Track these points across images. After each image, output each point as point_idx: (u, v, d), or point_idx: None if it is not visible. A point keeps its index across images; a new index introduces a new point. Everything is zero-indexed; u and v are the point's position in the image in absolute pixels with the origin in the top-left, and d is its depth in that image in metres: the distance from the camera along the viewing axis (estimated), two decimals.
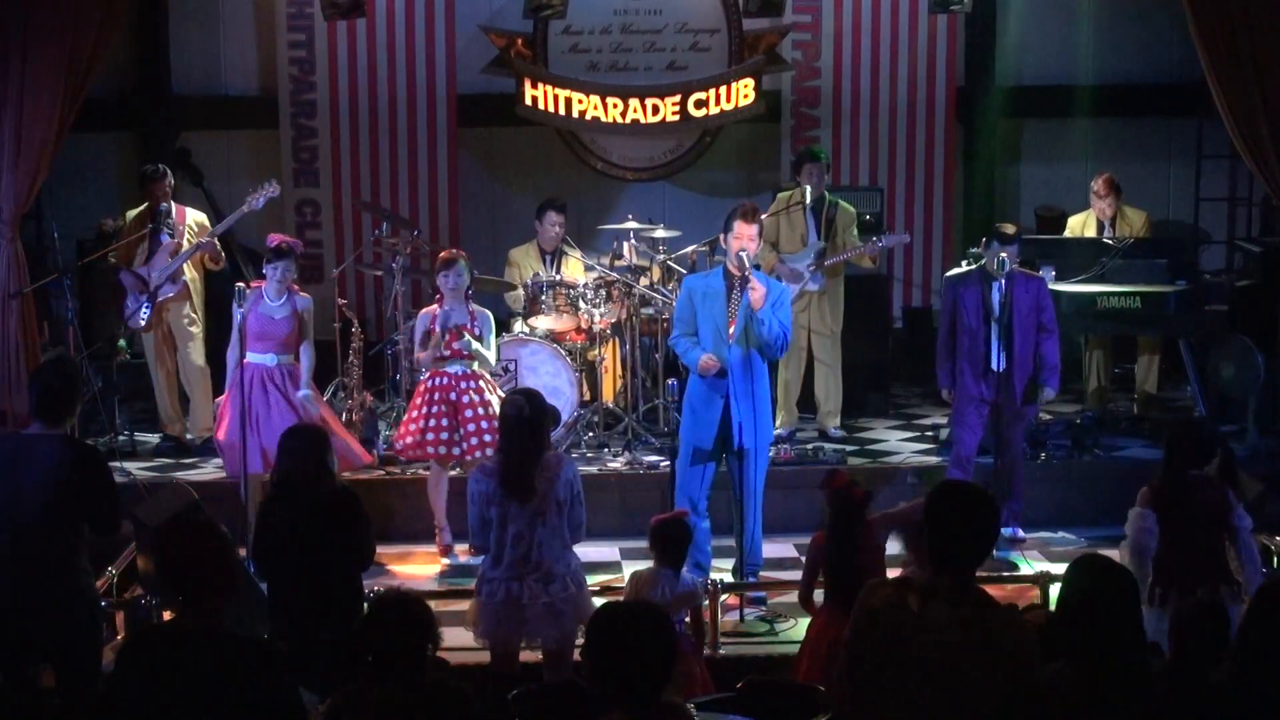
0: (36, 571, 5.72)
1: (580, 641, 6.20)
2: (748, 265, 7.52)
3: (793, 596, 7.67)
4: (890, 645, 4.15)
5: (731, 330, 7.55)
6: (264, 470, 8.03)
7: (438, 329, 8.31)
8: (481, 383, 8.41)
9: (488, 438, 8.12)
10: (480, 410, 8.26)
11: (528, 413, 6.09)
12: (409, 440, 8.38)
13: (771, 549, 8.16)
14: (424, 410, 8.34)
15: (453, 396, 8.31)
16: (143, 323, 9.53)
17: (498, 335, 9.65)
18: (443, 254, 8.65)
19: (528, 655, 6.33)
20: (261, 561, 6.10)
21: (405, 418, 8.53)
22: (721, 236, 7.93)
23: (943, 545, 4.21)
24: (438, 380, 8.37)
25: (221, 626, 4.37)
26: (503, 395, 8.05)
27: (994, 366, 8.29)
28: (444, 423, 8.28)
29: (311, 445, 6.08)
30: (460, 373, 8.37)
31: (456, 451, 8.28)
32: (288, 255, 8.24)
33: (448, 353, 8.33)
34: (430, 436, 8.28)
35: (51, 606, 5.76)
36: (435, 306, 8.46)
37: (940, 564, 4.20)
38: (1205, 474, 6.35)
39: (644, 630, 4.03)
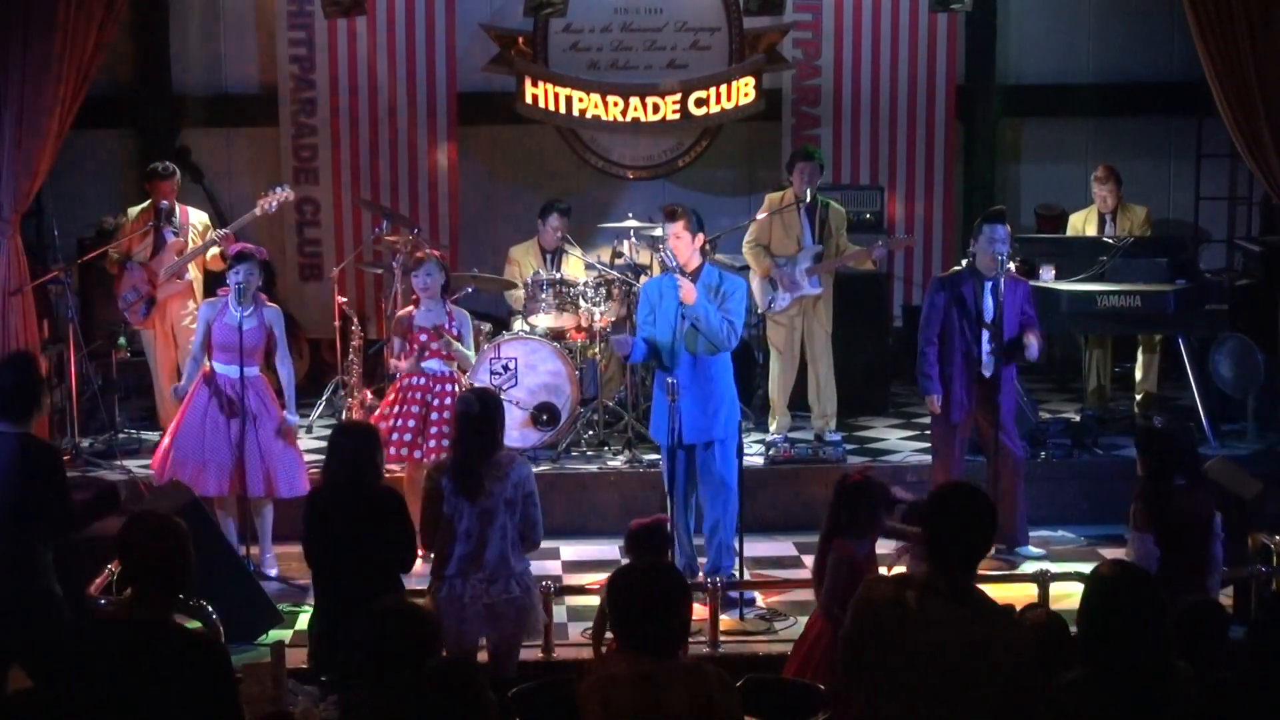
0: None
1: (527, 643, 6.30)
2: (669, 264, 7.66)
3: (793, 595, 7.71)
4: (889, 639, 4.18)
5: (679, 327, 7.60)
6: (218, 492, 7.95)
7: (419, 336, 8.27)
8: (457, 385, 8.38)
9: (445, 442, 8.09)
10: (448, 414, 8.12)
11: (477, 410, 6.10)
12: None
13: (772, 547, 8.17)
14: (395, 410, 8.29)
15: (427, 398, 8.28)
16: (143, 318, 9.54)
17: (498, 334, 9.68)
18: (415, 254, 8.65)
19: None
20: (308, 554, 6.13)
21: (375, 414, 8.42)
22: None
23: (944, 546, 4.24)
24: (415, 380, 8.33)
25: (168, 620, 4.41)
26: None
27: (984, 372, 8.19)
28: (410, 424, 8.24)
29: (362, 443, 6.10)
30: (438, 373, 8.35)
31: (418, 454, 8.21)
32: (249, 259, 8.04)
33: (427, 353, 8.32)
34: (395, 437, 8.22)
35: (10, 607, 5.78)
36: (411, 308, 8.45)
37: (942, 564, 4.23)
38: (1190, 483, 6.32)
39: (662, 587, 4.22)
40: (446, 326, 8.33)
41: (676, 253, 7.68)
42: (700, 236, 7.77)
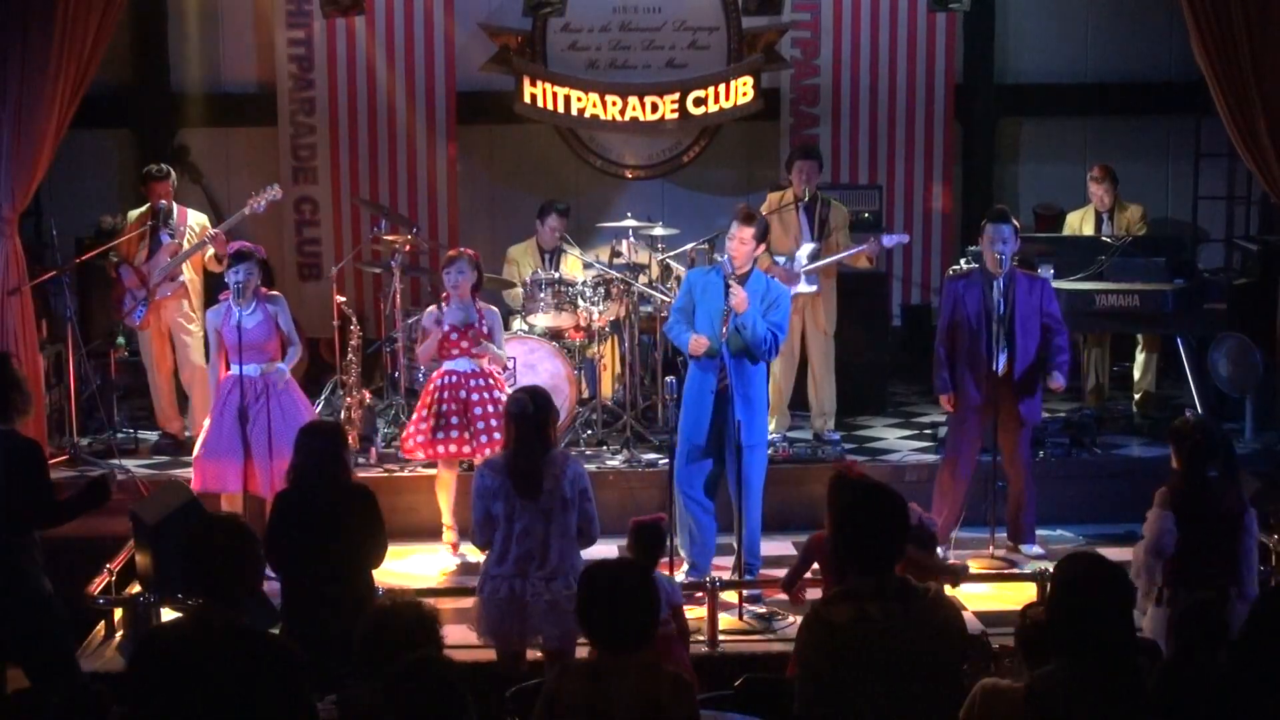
0: None
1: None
2: (728, 269, 7.61)
3: None
4: (858, 657, 4.16)
5: (725, 329, 7.58)
6: (239, 489, 7.98)
7: (438, 329, 8.28)
8: (491, 380, 8.41)
9: (497, 435, 8.11)
10: (491, 409, 8.22)
11: (531, 410, 6.11)
12: (419, 440, 8.32)
13: (770, 546, 8.16)
14: (434, 410, 8.29)
15: (463, 395, 8.28)
16: (138, 321, 9.53)
17: None
18: (448, 252, 8.66)
19: (535, 654, 6.33)
20: (274, 555, 6.11)
21: (413, 417, 8.48)
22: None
23: (864, 548, 4.25)
24: (446, 379, 8.33)
25: (243, 624, 4.37)
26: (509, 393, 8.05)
27: (994, 368, 8.20)
28: (454, 421, 8.26)
29: (329, 441, 6.11)
30: (469, 370, 8.35)
31: (468, 450, 8.23)
32: (249, 258, 8.04)
33: (456, 351, 8.32)
34: (441, 435, 8.24)
35: (2, 607, 5.79)
36: (443, 305, 8.43)
37: (865, 566, 4.23)
38: (1221, 476, 6.33)
39: (624, 585, 4.29)
40: (477, 325, 8.32)
41: (736, 256, 7.65)
42: (762, 246, 7.79)
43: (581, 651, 6.25)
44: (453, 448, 8.26)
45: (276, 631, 6.25)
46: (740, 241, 7.64)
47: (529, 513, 6.05)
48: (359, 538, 5.98)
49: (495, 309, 8.59)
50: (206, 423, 8.20)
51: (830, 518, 6.17)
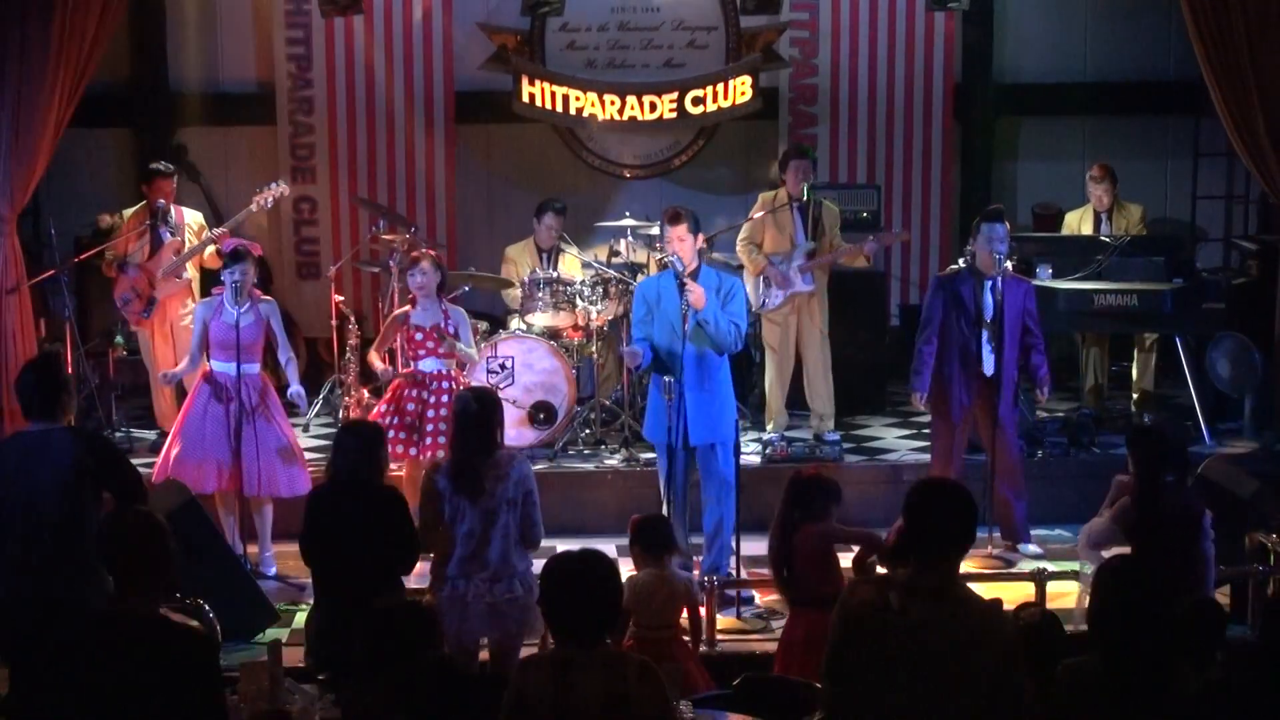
0: (56, 567, 5.78)
1: (527, 641, 6.24)
2: (678, 269, 7.62)
3: None
4: (872, 645, 4.16)
5: (686, 328, 7.58)
6: (217, 489, 7.96)
7: (414, 335, 8.27)
8: (454, 384, 8.34)
9: (441, 439, 8.10)
10: (444, 412, 8.15)
11: (474, 409, 6.09)
12: None
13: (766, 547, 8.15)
14: (391, 408, 8.29)
15: (423, 396, 8.27)
16: (148, 318, 9.53)
17: (495, 332, 9.68)
18: (411, 253, 8.64)
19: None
20: (307, 554, 6.15)
21: (372, 414, 8.42)
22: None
23: (923, 542, 4.22)
24: (410, 380, 8.32)
25: (154, 614, 4.40)
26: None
27: (985, 370, 8.20)
28: (406, 422, 8.23)
29: (367, 443, 6.10)
30: (434, 372, 8.32)
31: (414, 452, 8.22)
32: (245, 258, 8.01)
33: (423, 352, 8.30)
34: (391, 435, 8.20)
35: (70, 602, 5.77)
36: (409, 307, 8.42)
37: (922, 561, 4.22)
38: (1179, 480, 6.35)
39: (591, 577, 4.29)
40: (443, 326, 8.31)
41: (682, 255, 7.67)
42: (700, 237, 7.79)
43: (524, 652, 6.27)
44: (400, 448, 8.20)
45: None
46: (678, 240, 7.68)
47: (471, 514, 6.02)
48: (388, 541, 5.96)
49: (462, 310, 8.56)
50: (181, 421, 8.12)
51: (779, 514, 6.35)
